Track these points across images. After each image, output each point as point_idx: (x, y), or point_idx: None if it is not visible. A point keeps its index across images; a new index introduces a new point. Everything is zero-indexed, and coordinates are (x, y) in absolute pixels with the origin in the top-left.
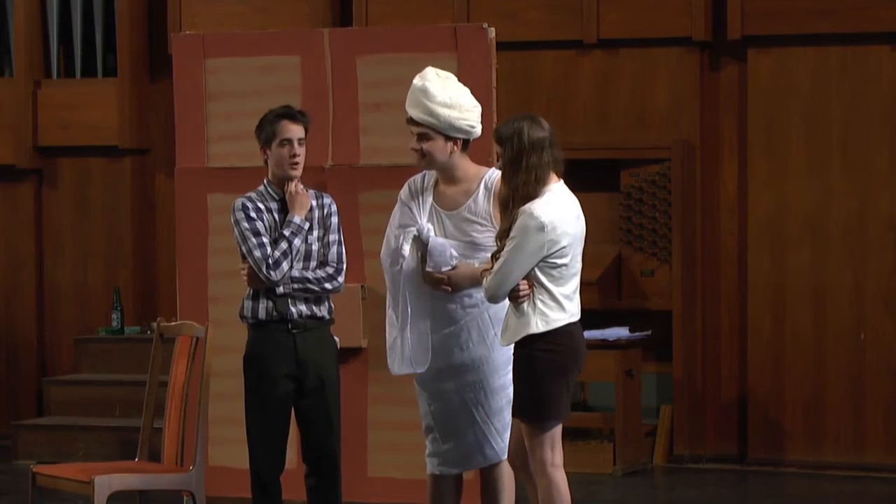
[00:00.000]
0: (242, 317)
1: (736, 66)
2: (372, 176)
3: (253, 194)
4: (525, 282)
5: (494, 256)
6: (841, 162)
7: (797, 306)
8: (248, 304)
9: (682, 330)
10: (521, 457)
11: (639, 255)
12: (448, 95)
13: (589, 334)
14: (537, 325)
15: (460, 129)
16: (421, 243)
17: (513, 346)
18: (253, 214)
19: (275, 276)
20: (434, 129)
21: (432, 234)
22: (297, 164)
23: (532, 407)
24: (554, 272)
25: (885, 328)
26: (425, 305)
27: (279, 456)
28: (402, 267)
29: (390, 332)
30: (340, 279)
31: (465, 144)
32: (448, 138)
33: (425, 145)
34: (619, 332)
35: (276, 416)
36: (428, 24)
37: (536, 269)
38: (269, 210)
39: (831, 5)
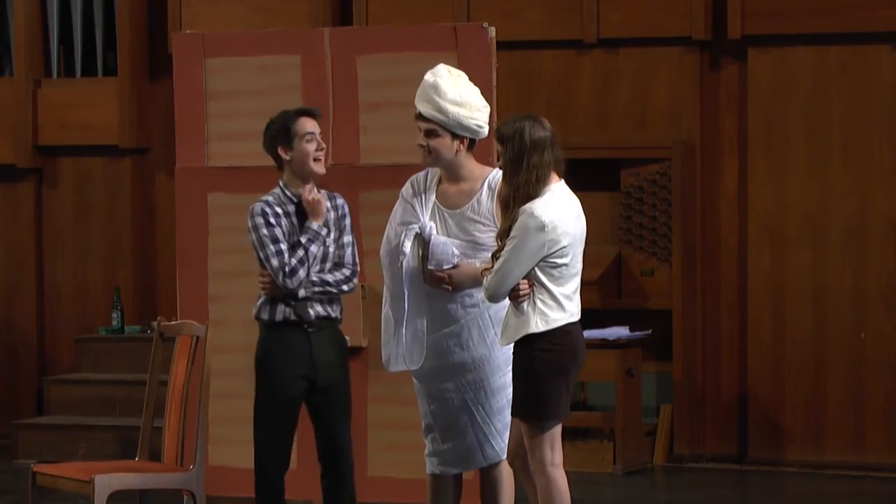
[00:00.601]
0: (258, 317)
1: (736, 65)
2: (372, 175)
3: (270, 198)
4: (525, 281)
5: (495, 256)
6: (841, 161)
7: (797, 306)
8: (266, 307)
9: (682, 329)
10: (521, 457)
11: (639, 255)
12: (459, 93)
13: (589, 334)
14: (537, 325)
15: (468, 128)
16: (422, 241)
17: (512, 345)
18: (272, 220)
19: (291, 283)
20: (442, 126)
21: (434, 232)
22: (321, 161)
23: (531, 406)
24: (554, 272)
25: (886, 328)
26: (423, 303)
27: (286, 456)
28: (402, 264)
29: (386, 330)
30: (356, 280)
31: (472, 144)
32: (455, 136)
33: (432, 142)
34: (619, 332)
35: (288, 416)
36: (428, 24)
37: (537, 269)
38: (287, 214)
39: (831, 5)
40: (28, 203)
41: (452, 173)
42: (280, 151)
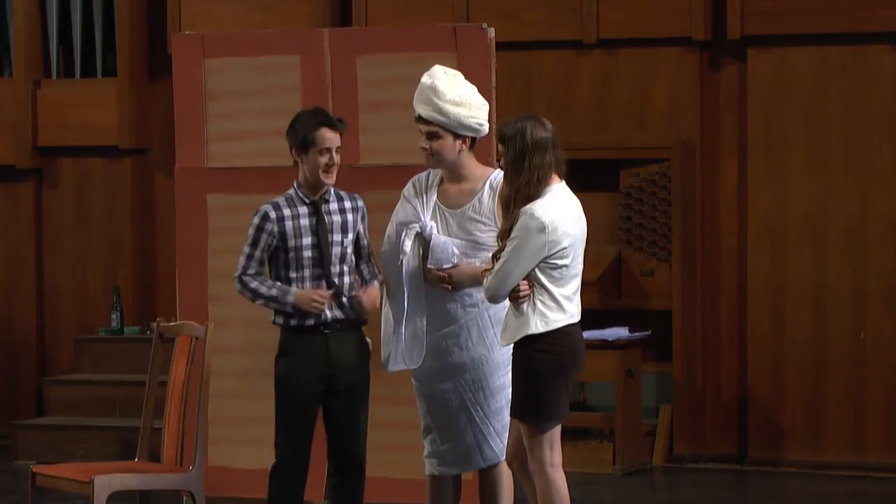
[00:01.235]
0: (274, 322)
1: (736, 65)
2: (372, 176)
3: (281, 199)
4: (525, 282)
5: (495, 256)
6: (841, 161)
7: (797, 306)
8: (281, 316)
9: (682, 330)
10: (520, 458)
11: (639, 255)
12: (457, 93)
13: (589, 334)
14: (537, 326)
15: (469, 128)
16: (423, 241)
17: (511, 346)
18: (268, 226)
19: (236, 287)
20: (443, 128)
21: (435, 231)
22: (332, 173)
23: (531, 407)
24: (554, 273)
25: (885, 328)
26: (423, 303)
27: (304, 457)
28: (402, 263)
29: (386, 329)
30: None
31: (473, 143)
32: (457, 136)
33: (434, 144)
34: (619, 332)
35: (304, 416)
36: (427, 24)
37: (537, 270)
38: (297, 216)
39: (831, 5)
40: (28, 203)
41: (454, 173)
42: (294, 154)
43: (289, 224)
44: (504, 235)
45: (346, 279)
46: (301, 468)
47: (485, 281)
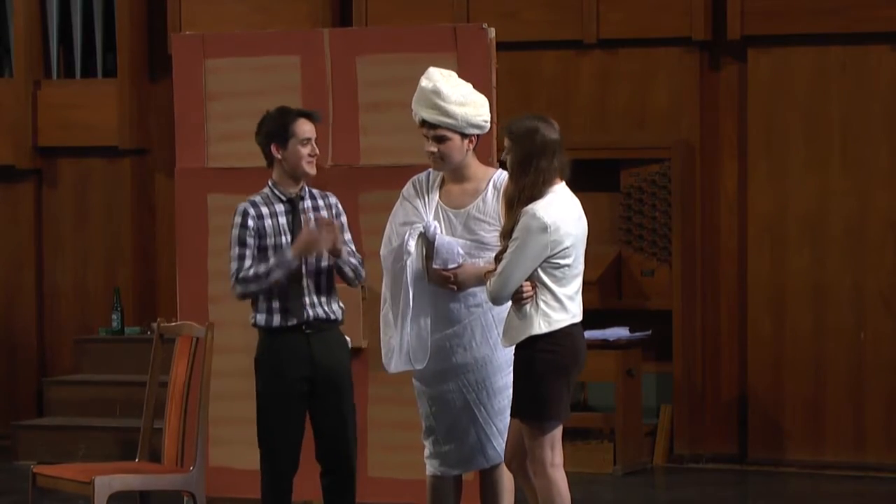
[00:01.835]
0: (255, 325)
1: (736, 65)
2: (372, 176)
3: (258, 198)
4: (528, 283)
5: (498, 257)
6: (841, 161)
7: (797, 306)
8: (262, 316)
9: (682, 330)
10: (518, 459)
11: (639, 255)
12: (460, 93)
13: (589, 334)
14: (540, 326)
15: (477, 126)
16: (426, 241)
17: (513, 346)
18: (250, 222)
19: (238, 291)
20: (451, 129)
21: (439, 231)
22: (313, 163)
23: (532, 407)
24: (557, 273)
25: (885, 327)
26: (427, 303)
27: (294, 458)
28: (405, 263)
29: (386, 331)
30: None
31: (478, 141)
32: (464, 136)
33: (442, 147)
34: (619, 332)
35: (292, 417)
36: (427, 24)
37: (539, 270)
38: (275, 214)
39: (831, 5)
40: (28, 204)
41: (458, 174)
42: (273, 149)
43: (267, 222)
44: (506, 235)
45: (324, 278)
46: (291, 475)
47: (488, 283)
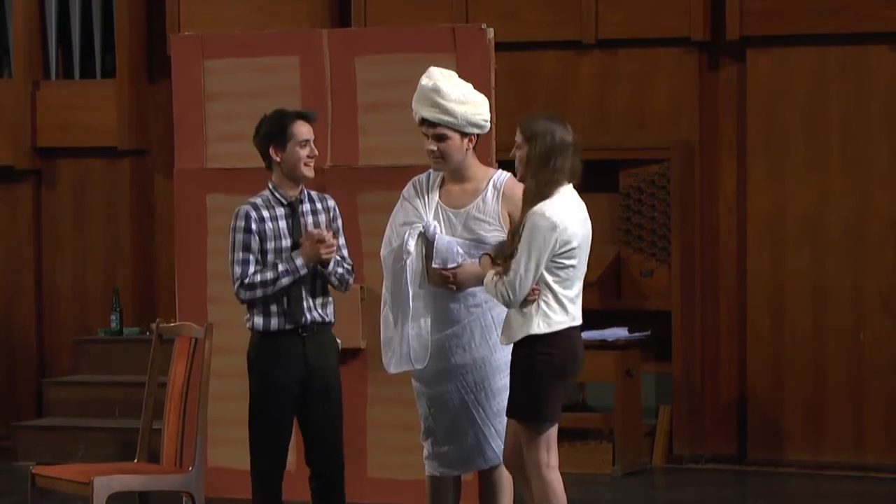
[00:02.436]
0: (251, 328)
1: (735, 66)
2: (371, 176)
3: (258, 200)
4: (535, 285)
5: (496, 259)
6: (840, 161)
7: (796, 306)
8: (259, 319)
9: (682, 330)
10: (517, 459)
11: (638, 256)
12: (460, 92)
13: (588, 334)
14: (539, 326)
15: (477, 125)
16: (426, 241)
17: (512, 346)
18: (252, 226)
19: (243, 296)
20: (451, 128)
21: (439, 231)
22: (311, 165)
23: (529, 409)
24: (561, 273)
25: (885, 328)
26: (427, 303)
27: (282, 458)
28: (405, 263)
29: (385, 331)
30: (353, 279)
31: (477, 141)
32: (464, 135)
33: (442, 146)
34: (619, 333)
35: (282, 419)
36: (426, 25)
37: (544, 270)
38: (275, 217)
39: (830, 5)
40: (27, 204)
41: (457, 173)
42: (271, 152)
43: (269, 226)
44: (516, 232)
45: (319, 281)
46: (280, 473)
47: (499, 284)
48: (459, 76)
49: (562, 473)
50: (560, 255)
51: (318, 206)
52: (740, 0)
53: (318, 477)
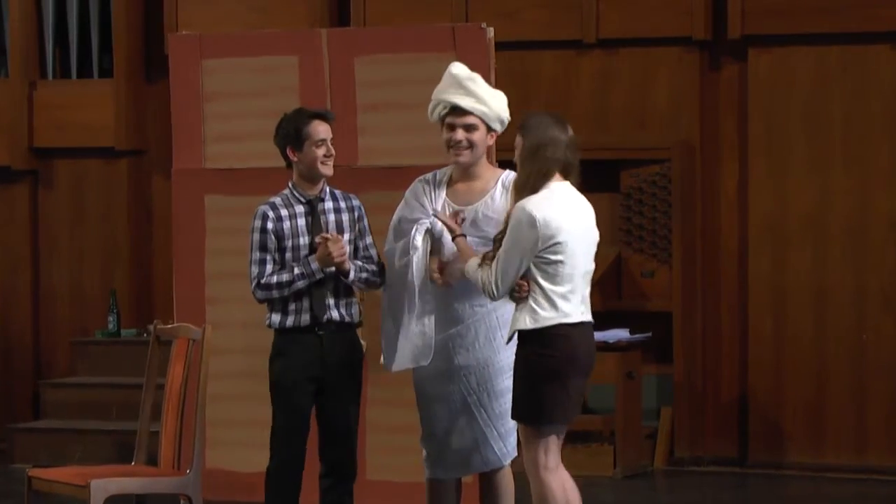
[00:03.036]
0: (269, 325)
1: (736, 65)
2: (370, 177)
3: (277, 199)
4: (524, 281)
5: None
6: (842, 161)
7: (798, 307)
8: (276, 317)
9: (683, 331)
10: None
11: (639, 256)
12: (489, 87)
13: None
14: (526, 322)
15: (501, 122)
16: (432, 237)
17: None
18: (269, 225)
19: (258, 295)
20: (482, 119)
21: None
22: (329, 164)
23: (525, 409)
24: (548, 269)
25: (887, 328)
26: (431, 301)
27: (298, 454)
28: (411, 259)
29: (387, 330)
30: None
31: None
32: (489, 130)
33: (472, 136)
34: (619, 334)
35: (296, 414)
36: (426, 24)
37: (532, 266)
38: (294, 216)
39: (832, 4)
40: (24, 205)
41: (469, 171)
42: (289, 152)
43: (286, 224)
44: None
45: (342, 282)
46: (297, 470)
47: (479, 272)
48: None
49: None
50: (545, 250)
51: (342, 204)
52: (742, 0)
53: (328, 476)
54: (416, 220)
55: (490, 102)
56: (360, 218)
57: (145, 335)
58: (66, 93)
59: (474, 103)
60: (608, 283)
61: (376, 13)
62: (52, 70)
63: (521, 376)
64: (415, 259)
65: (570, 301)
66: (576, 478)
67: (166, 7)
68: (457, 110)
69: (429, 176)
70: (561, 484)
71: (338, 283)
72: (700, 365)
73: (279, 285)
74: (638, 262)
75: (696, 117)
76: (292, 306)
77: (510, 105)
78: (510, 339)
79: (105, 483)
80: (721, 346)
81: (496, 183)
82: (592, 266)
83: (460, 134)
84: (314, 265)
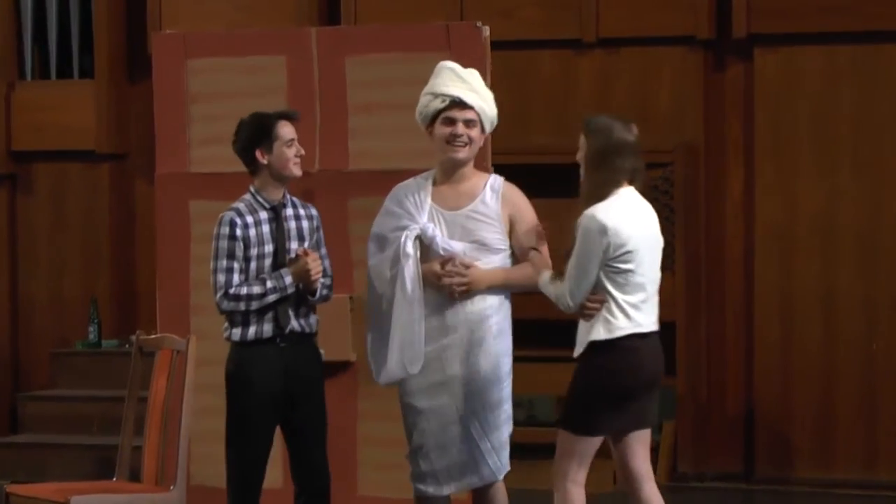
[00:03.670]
0: (228, 339)
1: (741, 65)
2: (361, 181)
3: (241, 205)
4: (596, 297)
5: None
6: (851, 164)
7: (806, 316)
8: (238, 330)
9: (686, 342)
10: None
11: None
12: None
13: None
14: (599, 333)
15: (492, 123)
16: (422, 245)
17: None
18: (238, 232)
19: (224, 306)
20: (480, 116)
21: (438, 233)
22: (300, 162)
23: (577, 419)
24: (618, 278)
25: None
26: (422, 309)
27: (261, 476)
28: (403, 266)
29: (374, 341)
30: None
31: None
32: (482, 130)
33: (470, 132)
34: None
35: (261, 431)
36: (420, 23)
37: (601, 275)
38: (259, 222)
39: (841, 2)
40: (1, 211)
41: (458, 173)
42: (258, 155)
43: (252, 231)
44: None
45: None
46: (258, 489)
47: (552, 286)
48: None
49: None
50: (615, 259)
51: (302, 212)
52: None
53: (304, 493)
54: (403, 228)
55: (488, 100)
56: (318, 227)
57: (127, 346)
58: (45, 94)
59: (476, 98)
60: None
61: (368, 11)
62: (31, 70)
63: (582, 387)
64: (408, 266)
65: (641, 311)
66: None
67: (149, 5)
68: (458, 104)
69: (409, 182)
70: (582, 501)
71: (298, 294)
72: (704, 377)
73: (249, 297)
74: None
75: (700, 119)
76: (253, 317)
77: (506, 107)
78: (583, 353)
79: (86, 500)
80: (726, 358)
81: (485, 186)
82: (659, 274)
83: (461, 128)
84: (288, 279)
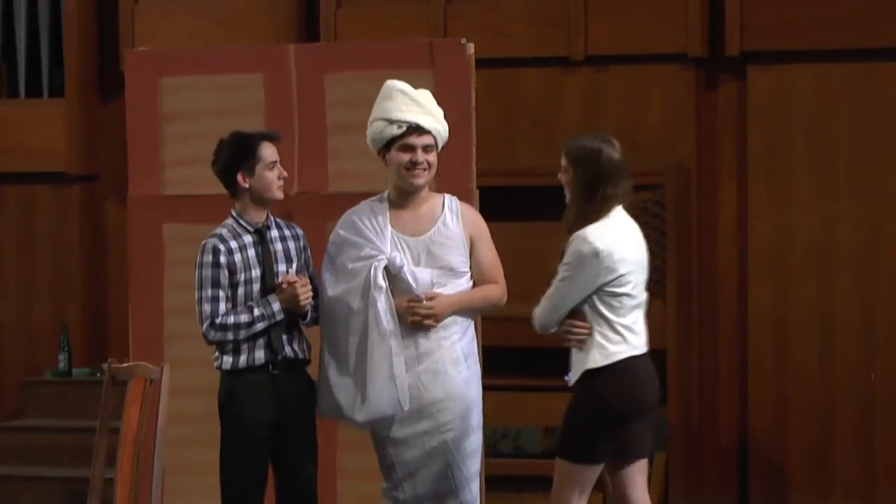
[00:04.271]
0: (219, 368)
1: (735, 83)
2: (341, 203)
3: (224, 231)
4: (584, 324)
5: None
6: (848, 186)
7: (802, 343)
8: (228, 358)
9: (678, 370)
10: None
11: None
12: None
13: None
14: (595, 359)
15: (444, 142)
16: (388, 275)
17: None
18: (222, 259)
19: (211, 336)
20: (436, 140)
21: (405, 262)
22: (282, 185)
23: (577, 448)
24: (614, 302)
25: None
26: (399, 342)
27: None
28: (375, 300)
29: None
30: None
31: None
32: (438, 152)
33: (430, 157)
34: None
35: (255, 463)
36: (402, 39)
37: (595, 299)
38: (244, 247)
39: (837, 19)
40: None
41: (415, 198)
42: (240, 178)
43: (237, 257)
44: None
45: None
46: None
47: (535, 308)
48: (437, 95)
49: None
50: (610, 283)
51: (287, 232)
52: (740, 14)
53: None
54: (369, 258)
55: (441, 120)
56: (305, 248)
57: (99, 374)
58: (13, 113)
59: (433, 122)
60: None
61: (348, 27)
62: None
63: (581, 414)
64: (380, 300)
65: (635, 333)
66: None
67: (122, 21)
68: (415, 130)
69: (361, 207)
70: None
71: (290, 319)
72: (696, 406)
73: (236, 326)
74: None
75: (692, 139)
76: (245, 344)
77: (491, 127)
78: (577, 381)
79: None
80: (719, 387)
81: (443, 208)
82: (646, 294)
83: (421, 155)
84: (276, 306)
